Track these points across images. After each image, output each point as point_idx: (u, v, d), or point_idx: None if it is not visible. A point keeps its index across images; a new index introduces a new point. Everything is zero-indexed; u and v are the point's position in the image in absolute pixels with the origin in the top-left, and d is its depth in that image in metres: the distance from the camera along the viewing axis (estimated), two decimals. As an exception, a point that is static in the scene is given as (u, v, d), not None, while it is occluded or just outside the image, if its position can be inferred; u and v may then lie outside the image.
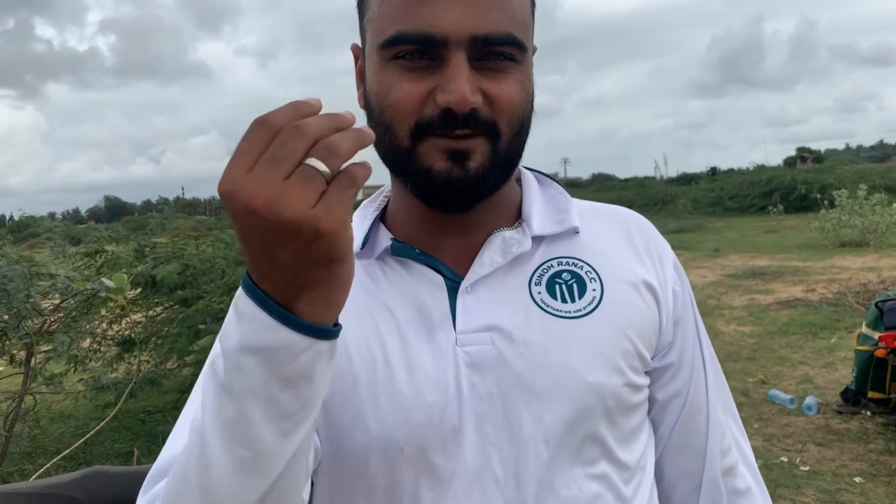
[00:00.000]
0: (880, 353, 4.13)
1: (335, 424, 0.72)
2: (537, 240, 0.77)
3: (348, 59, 0.81)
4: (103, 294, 3.46)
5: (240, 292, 0.53)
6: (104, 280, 2.98)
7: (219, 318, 4.24)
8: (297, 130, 0.49)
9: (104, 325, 4.56)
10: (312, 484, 0.76)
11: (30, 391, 3.86)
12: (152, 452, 4.01)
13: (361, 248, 0.78)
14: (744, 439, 0.88)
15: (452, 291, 0.74)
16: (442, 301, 0.74)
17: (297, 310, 0.52)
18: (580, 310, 0.74)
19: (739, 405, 4.80)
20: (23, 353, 3.76)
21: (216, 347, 0.57)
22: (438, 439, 0.70)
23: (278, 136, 0.49)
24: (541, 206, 0.80)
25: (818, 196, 15.91)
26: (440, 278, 0.75)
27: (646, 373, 0.78)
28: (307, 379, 0.53)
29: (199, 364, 4.67)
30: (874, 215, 12.87)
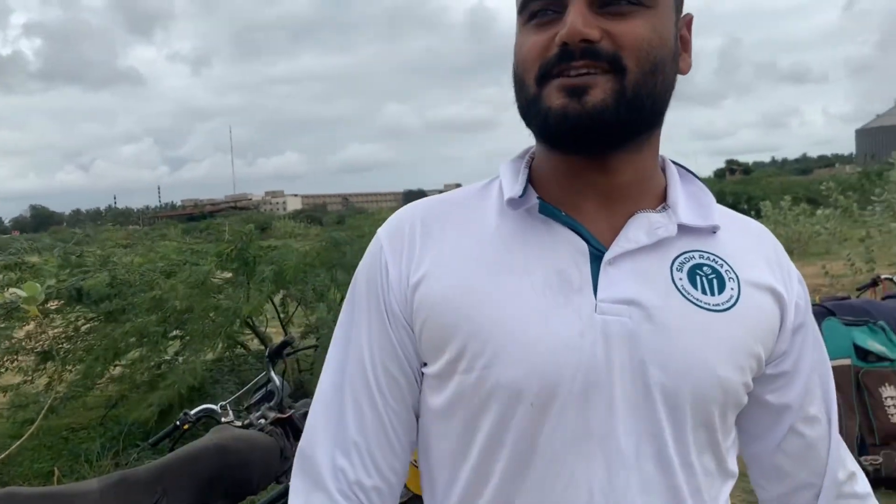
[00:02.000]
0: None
1: (466, 366, 0.75)
2: (681, 228, 0.78)
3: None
4: (24, 306, 3.32)
5: None
6: (15, 290, 2.84)
7: (145, 334, 4.09)
8: None
9: (21, 336, 4.35)
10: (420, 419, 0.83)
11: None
12: (74, 472, 3.83)
13: (520, 197, 0.78)
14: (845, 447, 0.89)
15: (595, 259, 0.76)
16: (584, 268, 0.75)
17: None
18: (719, 304, 0.76)
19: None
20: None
21: None
22: (567, 398, 0.72)
23: None
24: (686, 198, 0.81)
25: (745, 207, 16.53)
26: (584, 245, 0.76)
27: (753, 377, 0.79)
28: None
29: (124, 379, 4.51)
30: (797, 225, 13.44)
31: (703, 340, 0.74)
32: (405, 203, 0.91)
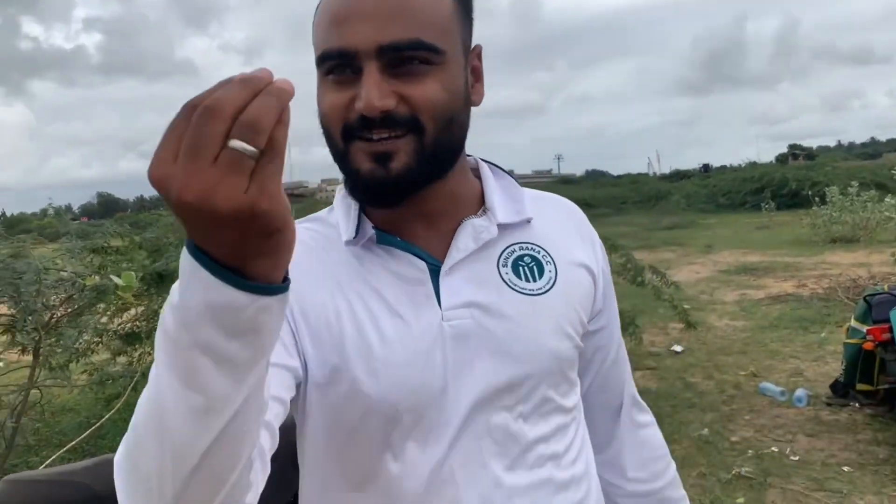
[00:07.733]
0: (868, 345, 4.23)
1: (332, 395, 0.82)
2: (501, 227, 0.88)
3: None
4: (114, 290, 3.54)
5: (184, 252, 0.52)
6: (113, 277, 3.05)
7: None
8: (212, 111, 0.47)
9: (105, 319, 4.61)
10: (298, 437, 0.89)
11: (36, 384, 3.92)
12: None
13: (354, 238, 0.85)
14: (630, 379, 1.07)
15: (434, 274, 0.84)
16: (426, 283, 0.84)
17: (242, 272, 0.52)
18: (541, 288, 0.87)
19: (731, 397, 4.91)
20: (30, 346, 3.82)
21: (167, 301, 0.57)
22: (430, 399, 0.81)
23: (193, 120, 0.47)
24: (500, 197, 0.91)
25: (809, 193, 16.05)
26: (423, 264, 0.85)
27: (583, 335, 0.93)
28: (254, 331, 0.54)
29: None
30: (865, 212, 13.00)
31: (535, 322, 0.85)
32: None
